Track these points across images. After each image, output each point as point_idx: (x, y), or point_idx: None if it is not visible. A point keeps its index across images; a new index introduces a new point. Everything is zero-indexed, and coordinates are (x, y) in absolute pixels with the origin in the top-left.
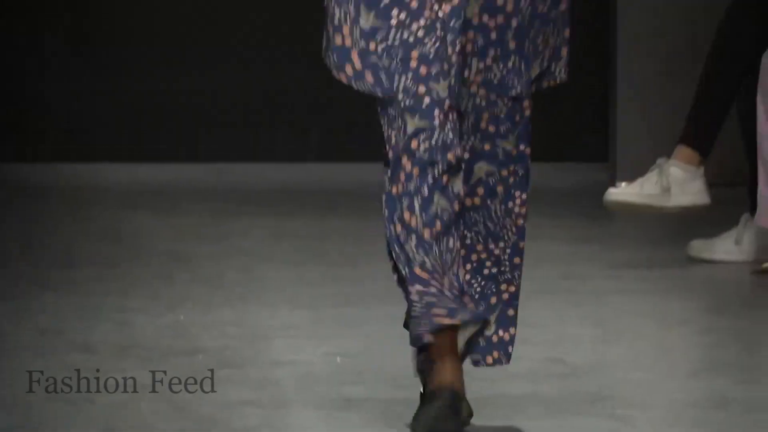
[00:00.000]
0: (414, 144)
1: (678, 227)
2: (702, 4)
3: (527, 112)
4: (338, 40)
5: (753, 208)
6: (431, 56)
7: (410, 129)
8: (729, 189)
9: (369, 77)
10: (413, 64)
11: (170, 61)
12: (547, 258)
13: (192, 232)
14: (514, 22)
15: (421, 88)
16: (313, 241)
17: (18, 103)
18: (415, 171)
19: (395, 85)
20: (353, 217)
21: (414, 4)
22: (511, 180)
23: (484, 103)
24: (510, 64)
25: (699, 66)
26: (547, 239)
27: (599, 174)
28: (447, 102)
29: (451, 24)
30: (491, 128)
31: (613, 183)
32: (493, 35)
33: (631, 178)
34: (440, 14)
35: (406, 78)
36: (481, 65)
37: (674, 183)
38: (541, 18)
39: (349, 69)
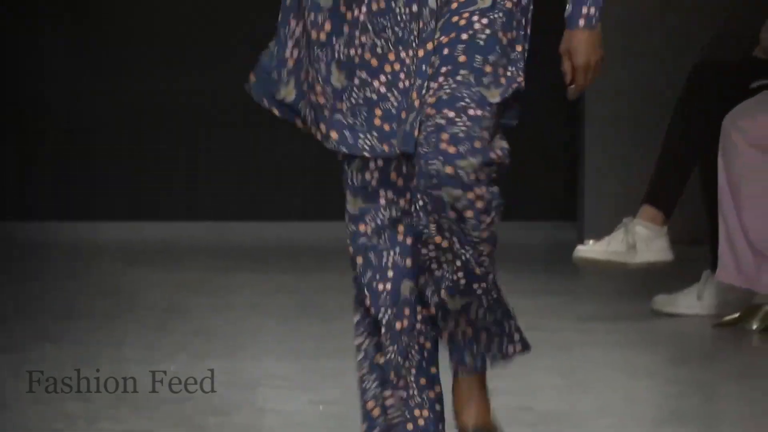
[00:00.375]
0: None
1: (643, 282)
2: (665, 69)
3: (481, 143)
4: (312, 97)
5: (714, 265)
6: (394, 111)
7: (354, 210)
8: (691, 247)
9: (334, 134)
10: (377, 122)
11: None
12: (516, 311)
13: (188, 286)
14: (464, 35)
15: (386, 146)
16: (303, 295)
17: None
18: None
19: (359, 143)
20: (342, 273)
21: (374, 63)
22: (479, 204)
23: (443, 122)
24: (459, 77)
25: (663, 129)
26: (517, 293)
27: (568, 232)
28: (393, 174)
29: (422, 69)
30: (451, 149)
31: (581, 240)
32: (445, 50)
33: (598, 236)
34: (407, 61)
35: (371, 137)
36: (435, 85)
37: (639, 241)
38: (501, 47)
39: (323, 127)
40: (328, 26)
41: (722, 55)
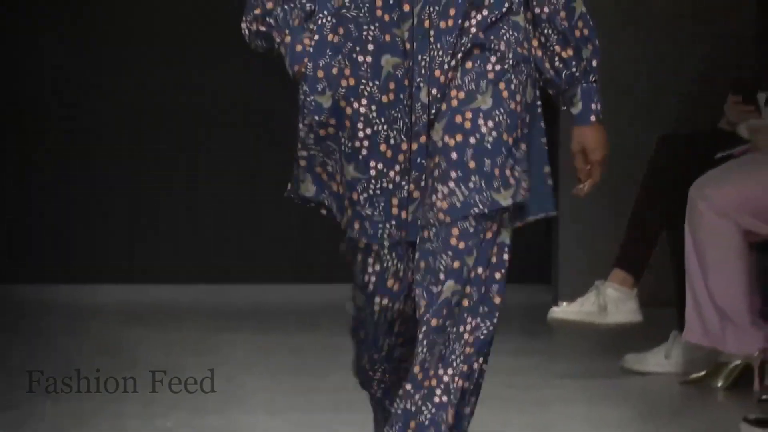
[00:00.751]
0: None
1: (614, 342)
2: (634, 137)
3: (489, 234)
4: (334, 187)
5: (681, 326)
6: (407, 199)
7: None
8: (659, 308)
9: (356, 225)
10: (395, 211)
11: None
12: (492, 369)
13: (183, 345)
14: (472, 140)
15: (404, 233)
16: (296, 354)
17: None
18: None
19: (379, 233)
20: (333, 334)
21: (389, 154)
22: (465, 302)
23: (449, 220)
24: (471, 184)
25: (632, 197)
26: (495, 353)
27: (543, 295)
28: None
29: (418, 161)
30: (461, 245)
31: (555, 302)
32: (454, 155)
33: (571, 298)
34: (412, 151)
35: (390, 225)
36: (446, 190)
37: (610, 302)
38: (507, 148)
39: (344, 218)
40: (333, 121)
41: (688, 126)
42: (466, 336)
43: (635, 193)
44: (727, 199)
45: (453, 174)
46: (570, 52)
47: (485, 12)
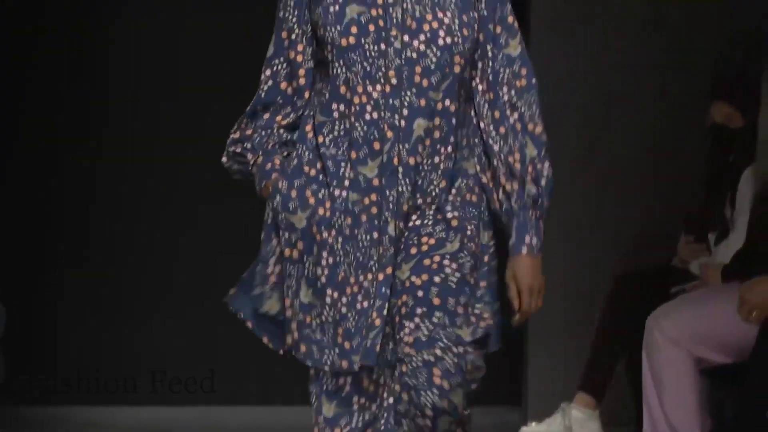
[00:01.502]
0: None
1: None
2: (597, 276)
3: (469, 376)
4: (288, 313)
5: None
6: (353, 330)
7: (329, 414)
8: (620, 427)
9: (303, 348)
10: (339, 339)
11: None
12: None
13: None
14: (437, 279)
15: (344, 363)
16: None
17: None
18: None
19: (324, 358)
20: None
21: (341, 277)
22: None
23: (433, 359)
24: (435, 319)
25: (594, 327)
26: None
27: (512, 415)
28: (365, 381)
29: (382, 291)
30: (445, 384)
31: (524, 423)
32: (420, 293)
33: (539, 419)
34: (365, 284)
35: (334, 353)
36: (412, 325)
37: (575, 423)
38: (470, 287)
39: (289, 339)
40: (300, 245)
41: (644, 264)
42: None
43: (596, 324)
44: (680, 329)
45: (418, 310)
46: (515, 186)
47: (449, 149)
